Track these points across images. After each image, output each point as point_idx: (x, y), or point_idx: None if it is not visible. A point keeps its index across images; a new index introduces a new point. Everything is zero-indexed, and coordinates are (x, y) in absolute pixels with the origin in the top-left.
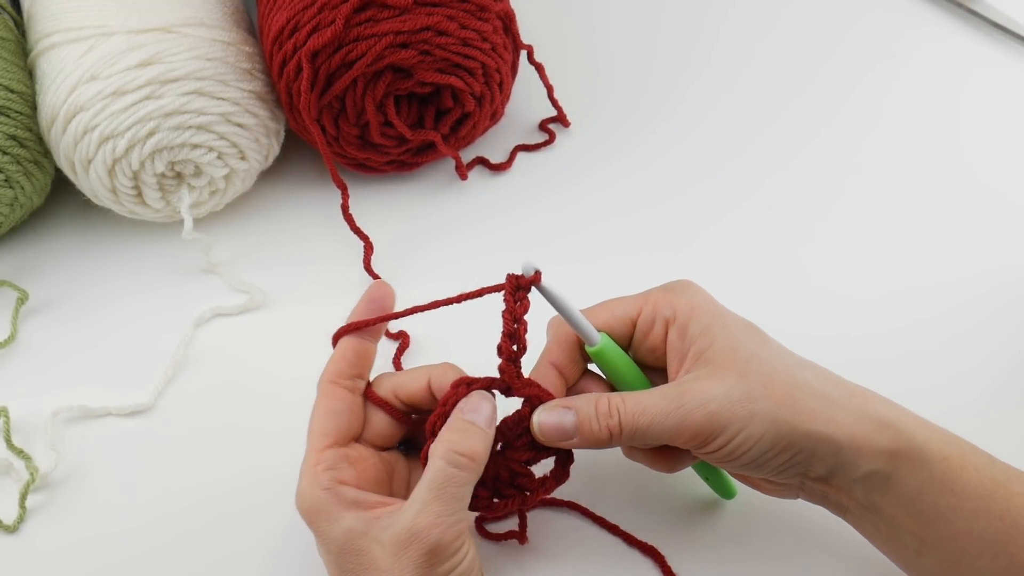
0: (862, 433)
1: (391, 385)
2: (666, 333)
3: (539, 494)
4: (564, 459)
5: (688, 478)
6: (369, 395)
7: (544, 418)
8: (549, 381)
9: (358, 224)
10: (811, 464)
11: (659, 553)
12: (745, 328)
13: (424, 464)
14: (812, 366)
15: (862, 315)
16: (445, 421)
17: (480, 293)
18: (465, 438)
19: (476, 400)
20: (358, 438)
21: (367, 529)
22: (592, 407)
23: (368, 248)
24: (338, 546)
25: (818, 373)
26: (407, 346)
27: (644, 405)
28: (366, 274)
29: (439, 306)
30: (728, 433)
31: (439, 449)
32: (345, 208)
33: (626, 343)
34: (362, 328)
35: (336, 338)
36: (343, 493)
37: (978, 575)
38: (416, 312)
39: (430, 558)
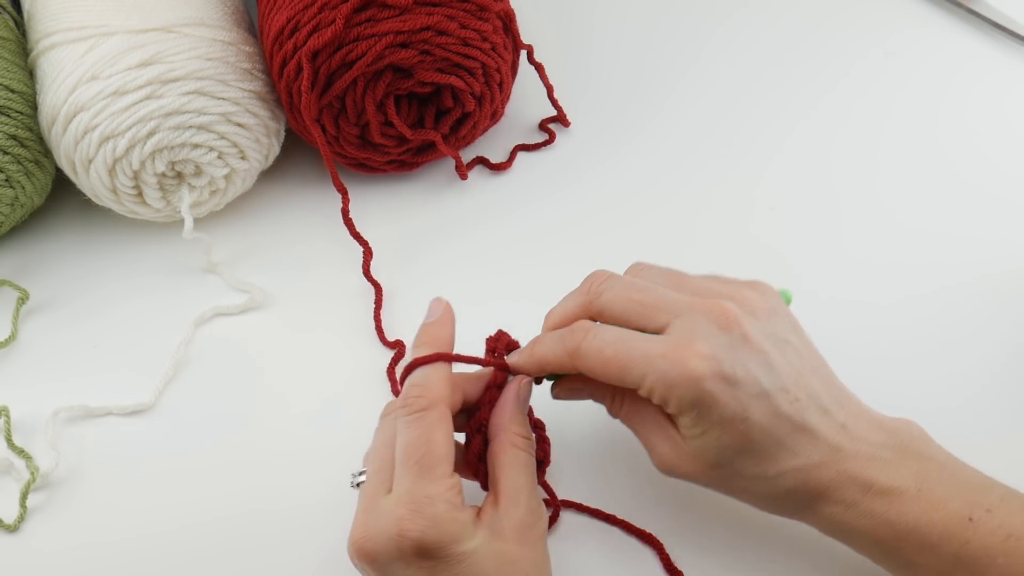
0: (827, 531)
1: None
2: (648, 402)
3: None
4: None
5: None
6: None
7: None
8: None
9: (358, 224)
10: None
11: (658, 541)
12: (732, 435)
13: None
14: (792, 467)
15: (862, 314)
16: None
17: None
18: (524, 426)
19: (525, 388)
20: None
21: (491, 532)
22: (603, 398)
23: (367, 254)
24: (482, 558)
25: (790, 477)
26: (401, 356)
27: (635, 424)
28: (366, 274)
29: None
30: (688, 480)
31: (521, 441)
32: (345, 212)
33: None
34: (449, 361)
35: (415, 365)
36: (472, 513)
37: None
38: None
39: (543, 535)
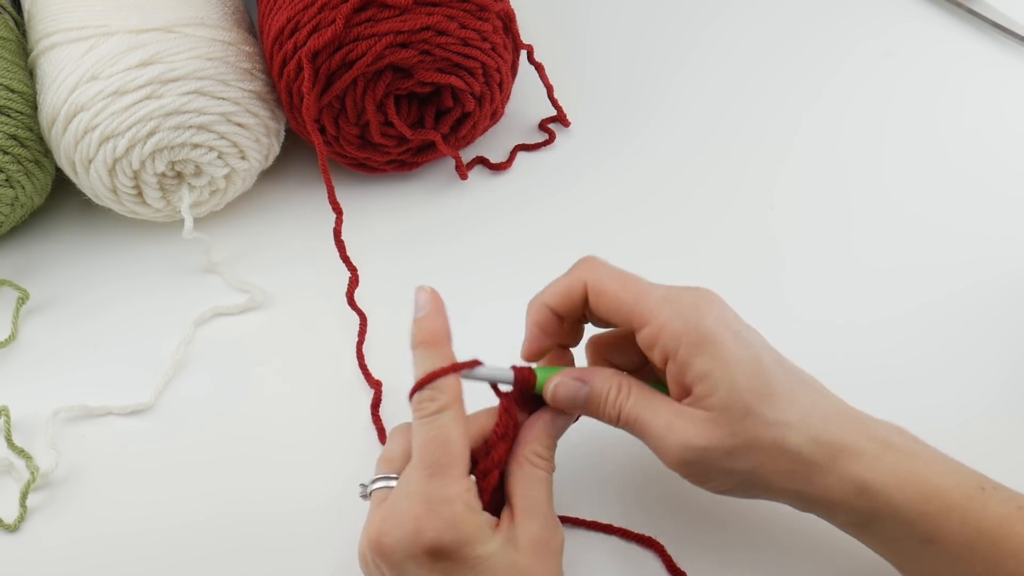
0: (837, 497)
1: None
2: (665, 361)
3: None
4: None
5: None
6: None
7: (560, 389)
8: (544, 318)
9: (358, 223)
10: (792, 505)
11: (659, 544)
12: (750, 374)
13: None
14: (813, 410)
15: (863, 314)
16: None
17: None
18: (547, 448)
19: (561, 420)
20: None
21: (506, 542)
22: (606, 390)
23: (353, 282)
24: (497, 563)
25: (813, 423)
26: (365, 330)
27: (646, 416)
28: (364, 271)
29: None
30: (706, 476)
31: (541, 462)
32: (337, 233)
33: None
34: (458, 370)
35: (433, 377)
36: (486, 517)
37: None
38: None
39: (559, 551)
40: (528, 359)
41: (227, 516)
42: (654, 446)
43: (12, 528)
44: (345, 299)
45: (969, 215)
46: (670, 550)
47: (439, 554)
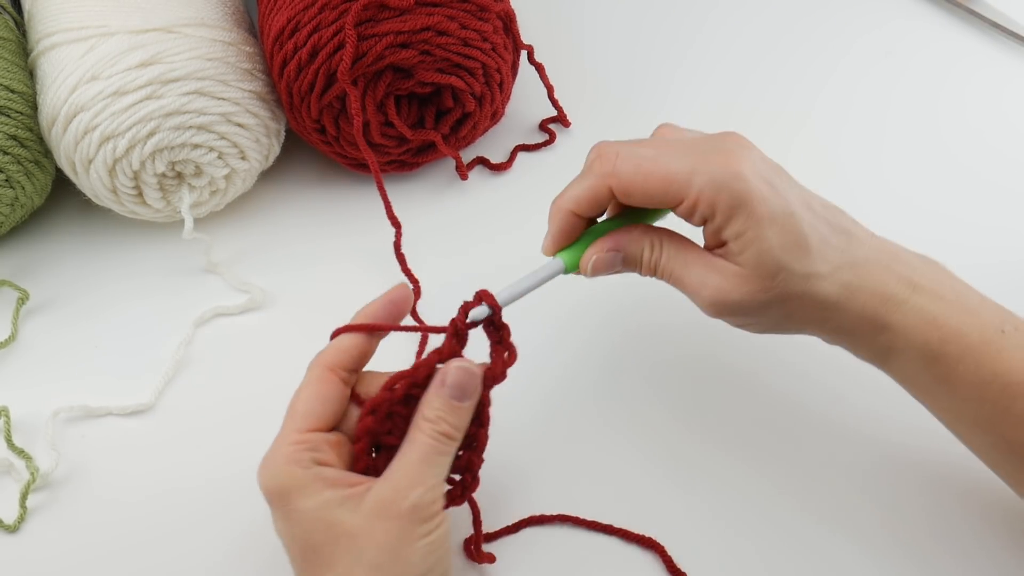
0: (861, 332)
1: (367, 383)
2: (704, 222)
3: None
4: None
5: (684, 471)
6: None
7: (599, 264)
8: (570, 225)
9: (357, 224)
10: (821, 338)
11: (659, 545)
12: (783, 230)
13: (361, 436)
14: (844, 255)
15: None
16: (408, 391)
17: (436, 330)
18: (452, 415)
19: (463, 376)
20: (334, 429)
21: (343, 502)
22: (639, 253)
23: (415, 292)
24: (310, 520)
25: (844, 269)
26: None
27: (680, 271)
28: (365, 273)
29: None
30: (741, 321)
31: (425, 425)
32: (397, 247)
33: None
34: (365, 331)
35: (336, 333)
36: (324, 473)
37: (972, 440)
38: (407, 330)
39: (411, 515)
40: (550, 254)
41: (227, 516)
42: (690, 296)
43: (12, 529)
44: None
45: (968, 215)
46: (670, 551)
47: (268, 499)
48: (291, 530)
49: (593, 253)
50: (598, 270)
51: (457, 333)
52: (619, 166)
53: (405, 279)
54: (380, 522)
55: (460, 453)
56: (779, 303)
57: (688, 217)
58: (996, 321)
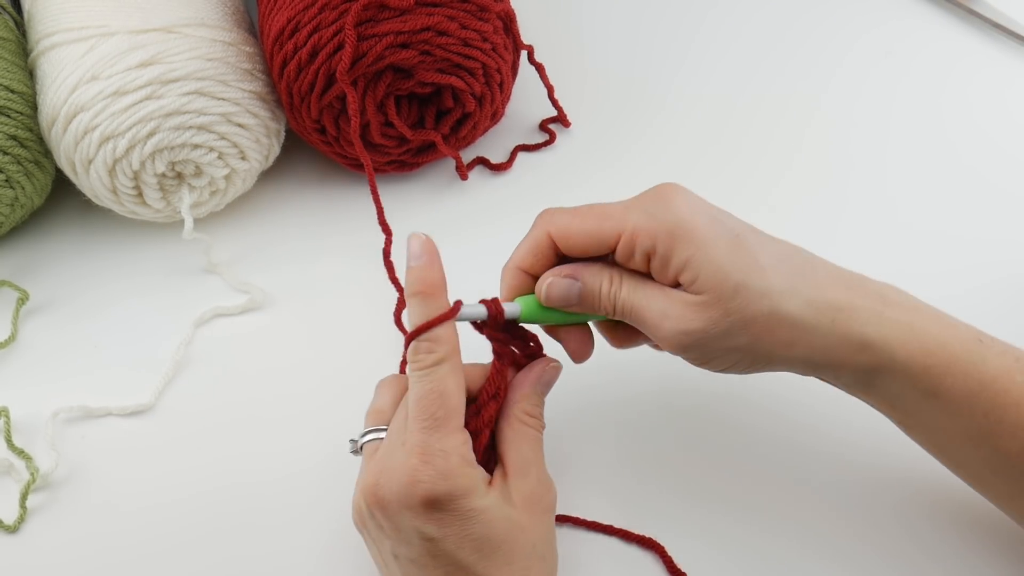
0: (840, 356)
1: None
2: (648, 262)
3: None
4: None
5: (684, 471)
6: None
7: (553, 288)
8: (519, 282)
9: (358, 223)
10: (795, 371)
11: (659, 545)
12: (731, 249)
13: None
14: (802, 275)
15: None
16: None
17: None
18: (537, 407)
19: (555, 375)
20: None
21: (503, 499)
22: (598, 284)
23: (400, 303)
24: (491, 518)
25: (805, 287)
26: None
27: (641, 305)
28: (365, 273)
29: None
30: (707, 357)
31: (530, 420)
32: (387, 254)
33: (609, 254)
34: (446, 320)
35: (419, 331)
36: (481, 471)
37: (961, 458)
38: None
39: (552, 508)
40: None
41: (227, 516)
42: (652, 333)
43: (12, 529)
44: (346, 306)
45: (968, 215)
46: (670, 551)
47: (434, 505)
48: (467, 530)
49: (550, 276)
50: (552, 296)
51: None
52: (556, 214)
53: (394, 286)
54: (536, 516)
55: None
56: (743, 327)
57: (629, 257)
58: (971, 333)
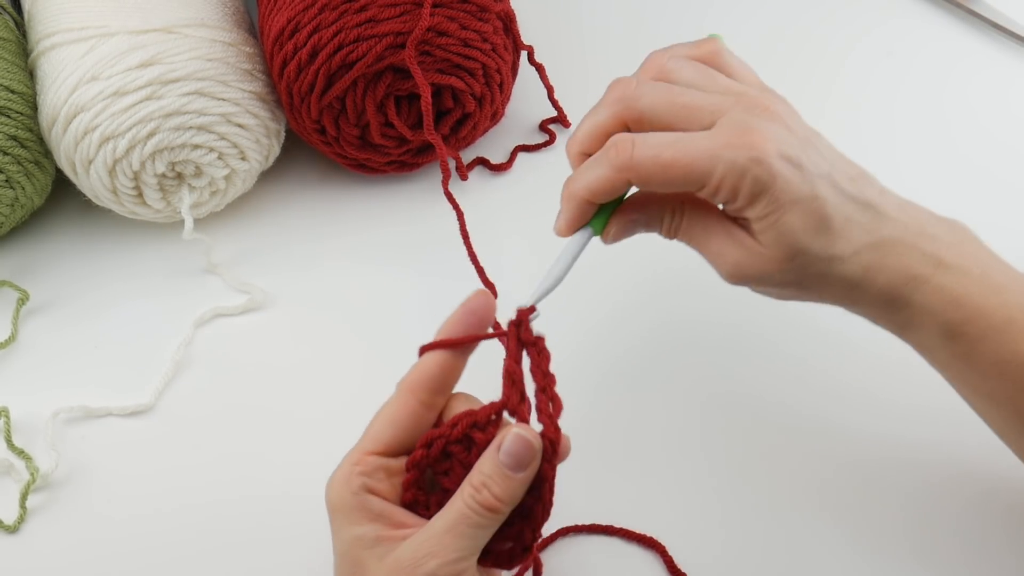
0: (879, 309)
1: (459, 406)
2: (726, 204)
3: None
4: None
5: (685, 471)
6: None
7: (617, 231)
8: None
9: (358, 223)
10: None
11: (660, 545)
12: (806, 214)
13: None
14: (864, 242)
15: None
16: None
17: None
18: (501, 484)
19: (520, 445)
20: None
21: (375, 544)
22: (659, 217)
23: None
24: (343, 550)
25: (867, 253)
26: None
27: (699, 240)
28: (366, 273)
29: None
30: (758, 287)
31: (467, 490)
32: (464, 234)
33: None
34: (451, 346)
35: (424, 350)
36: (369, 502)
37: (984, 410)
38: (484, 338)
39: None
40: (564, 236)
41: (227, 517)
42: (709, 262)
43: (12, 529)
44: (346, 307)
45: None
46: (671, 551)
47: (328, 514)
48: (334, 547)
49: (617, 217)
50: (619, 236)
51: (521, 342)
52: (637, 157)
53: (481, 280)
54: None
55: (512, 523)
56: (797, 281)
57: (710, 199)
58: (1021, 300)
